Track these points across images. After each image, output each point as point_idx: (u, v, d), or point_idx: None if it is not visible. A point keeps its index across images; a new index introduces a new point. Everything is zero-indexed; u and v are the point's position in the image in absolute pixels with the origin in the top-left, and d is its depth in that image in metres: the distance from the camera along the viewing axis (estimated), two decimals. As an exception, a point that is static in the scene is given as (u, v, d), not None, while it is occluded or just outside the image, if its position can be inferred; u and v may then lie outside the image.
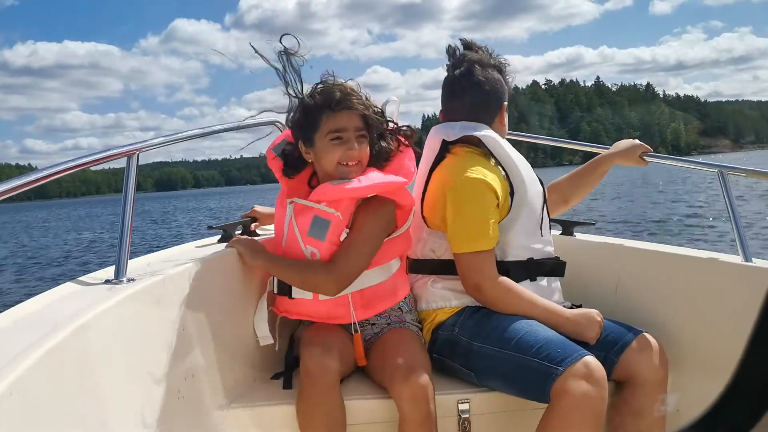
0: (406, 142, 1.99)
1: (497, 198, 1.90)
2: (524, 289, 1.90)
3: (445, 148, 2.02)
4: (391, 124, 1.97)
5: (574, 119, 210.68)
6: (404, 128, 1.99)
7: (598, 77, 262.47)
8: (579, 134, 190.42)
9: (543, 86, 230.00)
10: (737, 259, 1.98)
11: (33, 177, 1.43)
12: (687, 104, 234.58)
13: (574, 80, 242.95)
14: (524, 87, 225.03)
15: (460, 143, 2.02)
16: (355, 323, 1.94)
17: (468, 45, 2.07)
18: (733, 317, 1.87)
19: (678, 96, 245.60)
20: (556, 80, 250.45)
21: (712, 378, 1.88)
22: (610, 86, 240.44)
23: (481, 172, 1.90)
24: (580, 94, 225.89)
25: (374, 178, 1.86)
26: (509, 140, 2.10)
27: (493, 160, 2.01)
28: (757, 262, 1.94)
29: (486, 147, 1.98)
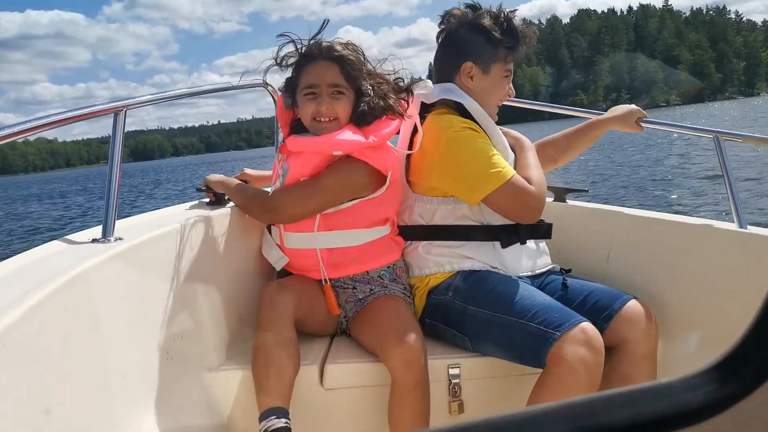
0: (405, 111, 1.95)
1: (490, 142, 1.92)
2: (533, 161, 1.99)
3: (425, 111, 2.02)
4: (387, 86, 1.92)
5: (663, 48, 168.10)
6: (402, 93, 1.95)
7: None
8: (678, 65, 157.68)
9: (597, 12, 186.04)
10: (732, 226, 1.97)
11: (17, 129, 1.37)
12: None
13: (647, 3, 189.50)
14: (570, 19, 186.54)
15: (439, 105, 2.01)
16: (324, 276, 1.94)
17: (469, 5, 2.05)
18: (726, 284, 1.87)
19: (752, 23, 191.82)
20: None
21: (704, 345, 1.90)
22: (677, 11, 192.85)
23: (466, 123, 1.91)
24: (666, 18, 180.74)
25: (340, 135, 1.85)
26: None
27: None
28: (751, 229, 1.93)
29: (467, 112, 1.96)
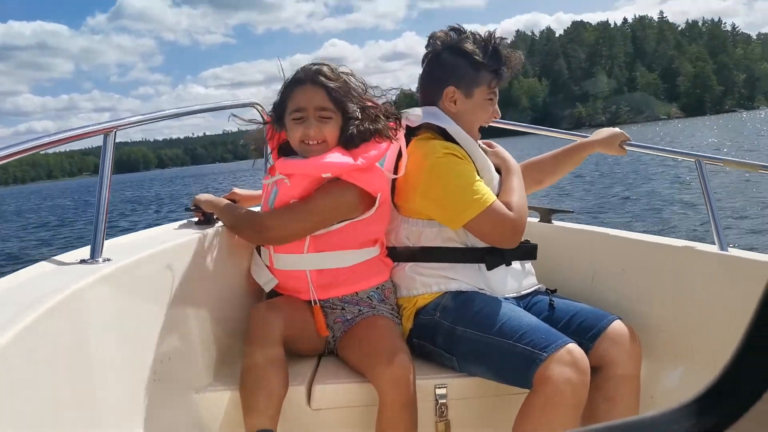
0: (395, 135, 1.97)
1: (475, 167, 1.94)
2: (516, 185, 2.00)
3: (410, 134, 2.04)
4: (373, 110, 1.94)
5: (662, 59, 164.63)
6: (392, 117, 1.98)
7: (661, 11, 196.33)
8: (678, 78, 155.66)
9: (592, 24, 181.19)
10: (713, 248, 2.01)
11: (6, 153, 1.38)
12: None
13: (644, 15, 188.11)
14: (567, 28, 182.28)
15: (424, 129, 2.03)
16: (314, 297, 1.94)
17: (453, 28, 2.07)
18: (708, 305, 1.90)
19: (747, 35, 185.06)
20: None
21: (686, 365, 1.93)
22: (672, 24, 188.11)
23: (451, 148, 1.93)
24: (664, 29, 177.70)
25: (328, 158, 1.86)
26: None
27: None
28: (732, 251, 1.97)
29: (450, 136, 1.98)
